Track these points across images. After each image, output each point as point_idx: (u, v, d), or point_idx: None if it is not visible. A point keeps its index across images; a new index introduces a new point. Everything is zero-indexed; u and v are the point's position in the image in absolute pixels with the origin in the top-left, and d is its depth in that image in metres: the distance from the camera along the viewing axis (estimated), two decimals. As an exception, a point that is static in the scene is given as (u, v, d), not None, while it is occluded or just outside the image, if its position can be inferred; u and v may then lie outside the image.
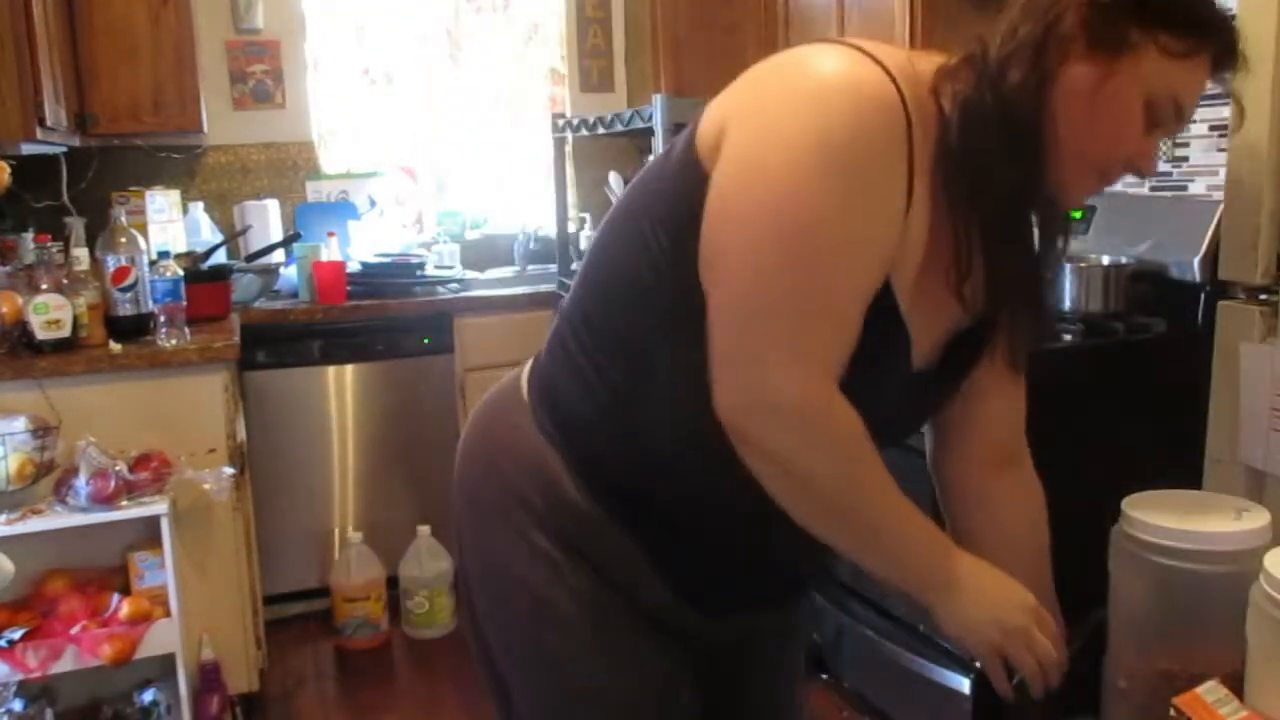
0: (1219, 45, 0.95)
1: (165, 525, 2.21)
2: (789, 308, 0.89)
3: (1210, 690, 0.88)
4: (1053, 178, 0.96)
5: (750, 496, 0.95)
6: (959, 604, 1.02)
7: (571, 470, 1.04)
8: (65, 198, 3.25)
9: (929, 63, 0.96)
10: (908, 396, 1.04)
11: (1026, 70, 0.91)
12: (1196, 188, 2.34)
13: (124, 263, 2.36)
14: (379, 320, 3.13)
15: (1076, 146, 0.94)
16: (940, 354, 1.05)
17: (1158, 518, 0.97)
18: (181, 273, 2.49)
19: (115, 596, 2.27)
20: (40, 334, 2.25)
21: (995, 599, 1.03)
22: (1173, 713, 0.89)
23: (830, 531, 0.98)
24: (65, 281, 2.33)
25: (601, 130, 2.61)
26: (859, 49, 0.92)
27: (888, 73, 0.89)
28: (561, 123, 3.03)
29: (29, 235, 2.77)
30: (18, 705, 2.24)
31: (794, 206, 0.87)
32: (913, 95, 0.91)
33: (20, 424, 2.14)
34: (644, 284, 0.98)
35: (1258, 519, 0.99)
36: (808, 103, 0.89)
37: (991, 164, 0.92)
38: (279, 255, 3.28)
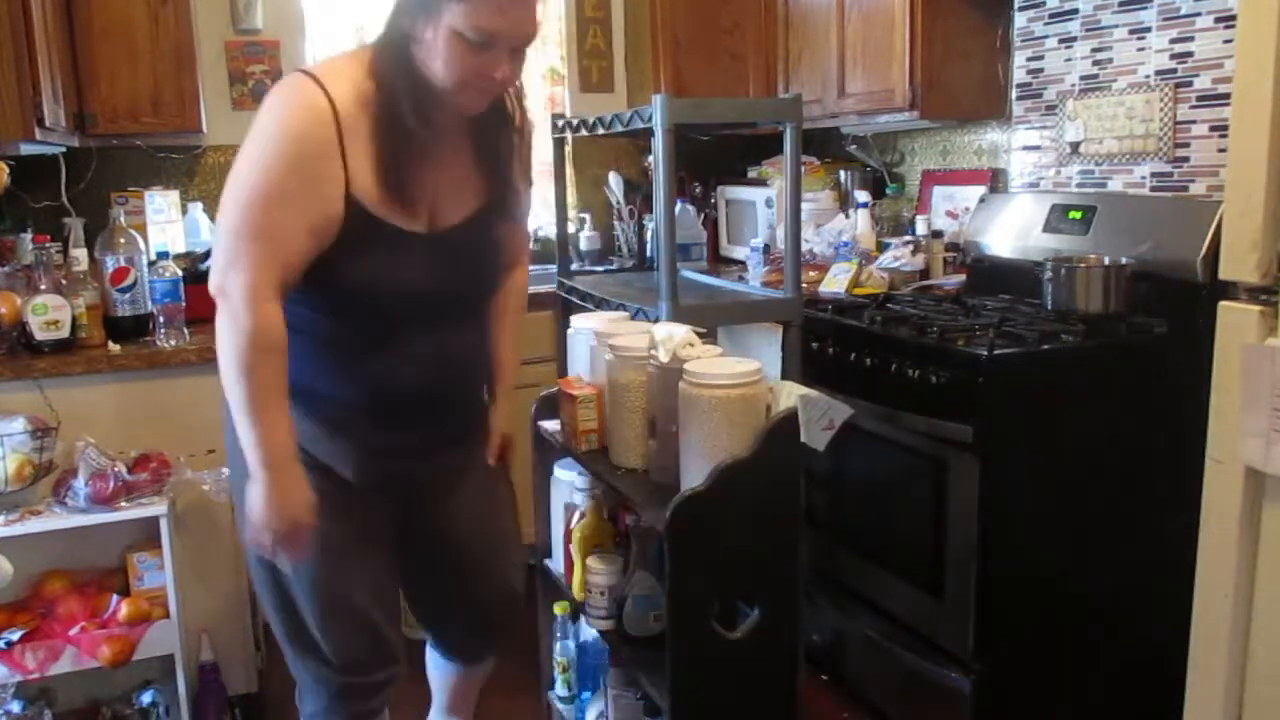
0: None
1: (164, 526, 2.21)
2: (237, 238, 1.43)
3: (576, 377, 1.79)
4: (446, 101, 1.48)
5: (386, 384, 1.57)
6: (259, 487, 1.48)
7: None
8: (64, 198, 3.24)
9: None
10: (452, 251, 1.57)
11: (396, 40, 1.46)
12: (1196, 188, 2.34)
13: (123, 263, 2.36)
14: (378, 321, 3.13)
15: (442, 76, 1.44)
16: (469, 220, 1.60)
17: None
18: (180, 273, 2.49)
19: (114, 597, 2.27)
20: (39, 334, 2.25)
21: (281, 501, 1.48)
22: (560, 390, 1.77)
23: (227, 389, 1.47)
24: (64, 282, 2.33)
25: (601, 130, 2.60)
26: (307, 73, 1.47)
27: (320, 84, 1.44)
28: (561, 123, 3.02)
29: (28, 235, 2.77)
30: (16, 707, 2.24)
31: (244, 179, 1.43)
32: (349, 90, 1.45)
33: (19, 425, 2.14)
34: None
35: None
36: (260, 121, 1.45)
37: (398, 102, 1.45)
38: (278, 256, 3.28)
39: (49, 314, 2.25)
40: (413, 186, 1.49)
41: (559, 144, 3.14)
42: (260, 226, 1.41)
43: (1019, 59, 2.84)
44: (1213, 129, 2.28)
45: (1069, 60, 2.67)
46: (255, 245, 1.41)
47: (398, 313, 1.53)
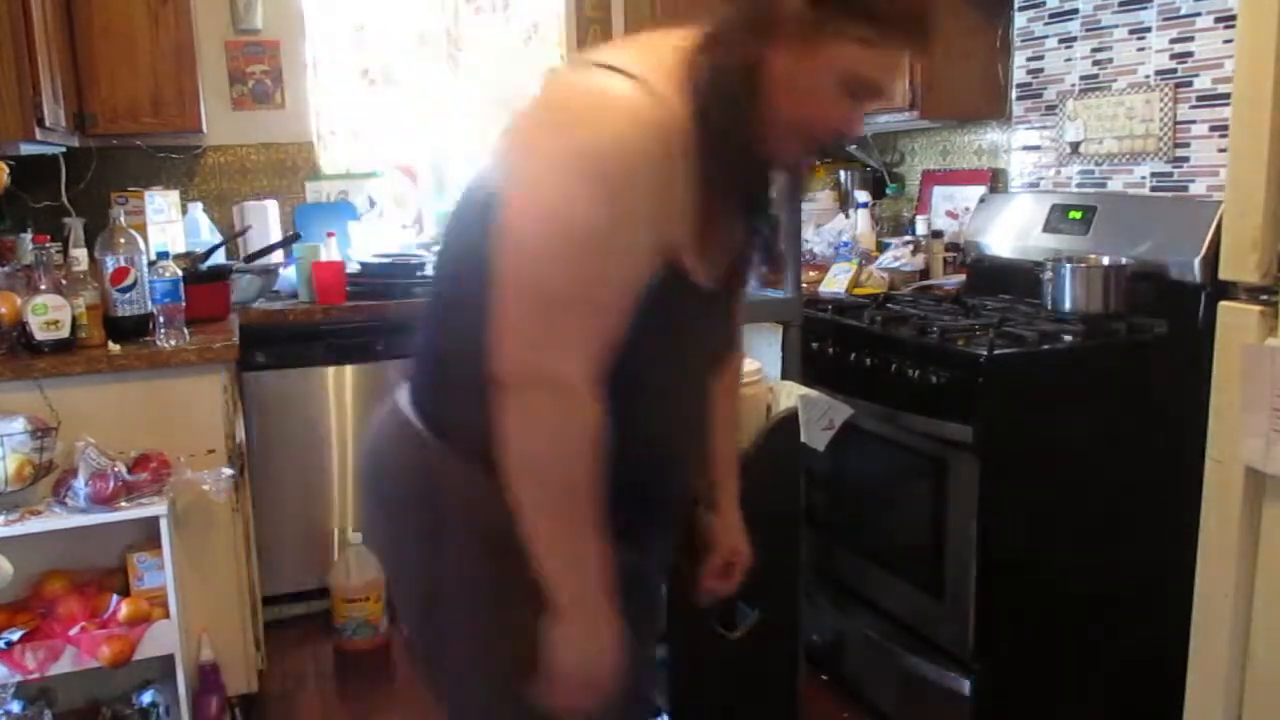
0: (912, 37, 1.09)
1: (164, 526, 2.20)
2: (555, 302, 1.04)
3: None
4: (769, 142, 1.13)
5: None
6: (564, 625, 1.12)
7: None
8: (64, 198, 3.24)
9: (676, 39, 1.12)
10: (712, 311, 1.26)
11: (743, 58, 1.08)
12: (1196, 188, 2.34)
13: (123, 263, 2.36)
14: (379, 321, 3.13)
15: (784, 116, 1.10)
16: (727, 273, 1.23)
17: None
18: (181, 273, 2.48)
19: (114, 597, 2.27)
20: (39, 334, 2.24)
21: (591, 648, 1.13)
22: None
23: (545, 507, 1.09)
24: (64, 282, 2.33)
25: (601, 130, 2.61)
26: (623, 72, 1.06)
27: (651, 90, 1.05)
28: (561, 123, 3.03)
29: (28, 235, 2.77)
30: (16, 707, 2.24)
31: (556, 218, 1.02)
32: (676, 102, 1.06)
33: (19, 425, 2.14)
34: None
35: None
36: (569, 134, 1.05)
37: (735, 132, 1.09)
38: (278, 256, 3.28)
39: (49, 314, 2.25)
40: (717, 230, 1.17)
41: (559, 144, 3.14)
42: (585, 285, 1.04)
43: (1019, 59, 2.84)
44: (1213, 129, 2.28)
45: (1069, 60, 2.67)
46: (580, 311, 1.05)
47: (659, 377, 1.21)
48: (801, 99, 1.10)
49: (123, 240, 2.37)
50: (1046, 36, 2.74)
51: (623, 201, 1.03)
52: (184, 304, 2.46)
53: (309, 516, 3.13)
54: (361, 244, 3.48)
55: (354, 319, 3.10)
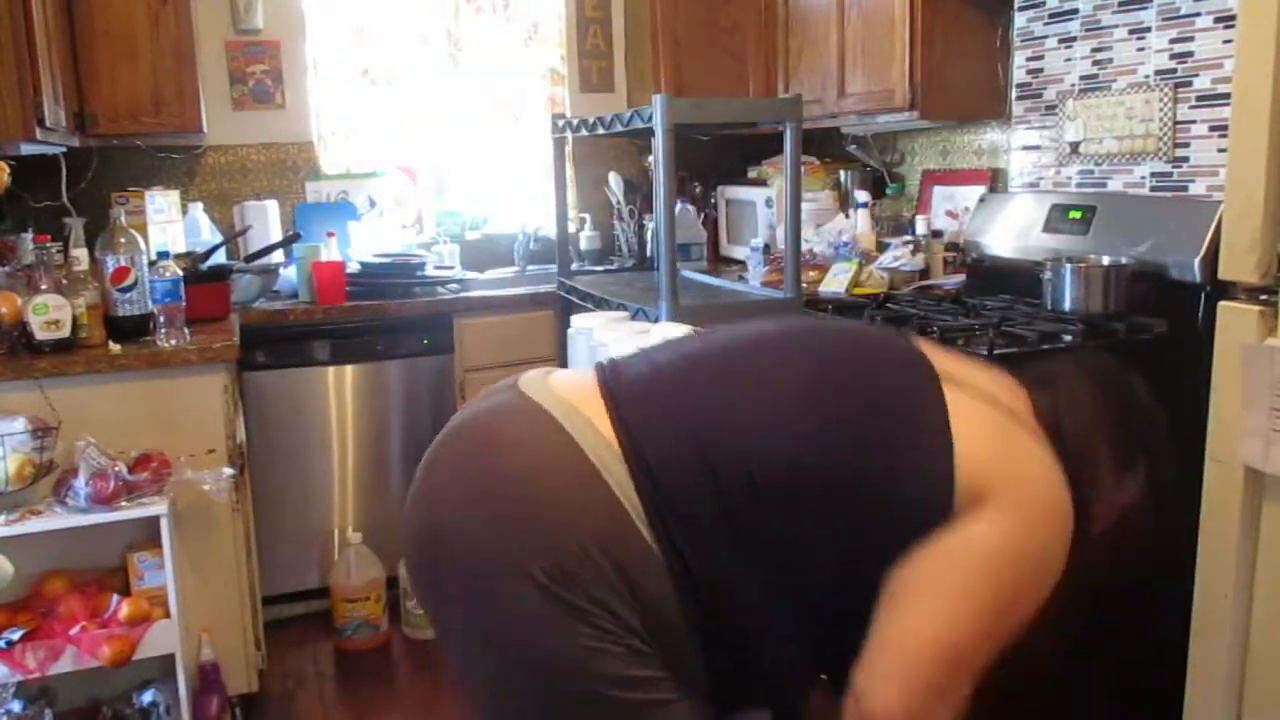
0: None
1: (165, 526, 2.21)
2: (964, 668, 1.15)
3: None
4: None
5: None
6: None
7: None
8: (65, 198, 3.24)
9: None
10: None
11: None
12: (1196, 188, 2.34)
13: (123, 263, 2.36)
14: (379, 321, 3.13)
15: None
16: None
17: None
18: (181, 273, 2.49)
19: (114, 597, 2.27)
20: (40, 334, 2.25)
21: None
22: None
23: None
24: (65, 282, 2.33)
25: (601, 130, 2.61)
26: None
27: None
28: (561, 123, 3.03)
29: (28, 235, 2.77)
30: (17, 706, 2.24)
31: (1001, 604, 1.15)
32: None
33: (20, 424, 2.14)
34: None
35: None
36: (1038, 530, 1.18)
37: None
38: (279, 256, 3.28)
39: (49, 314, 2.25)
40: None
41: (559, 144, 3.14)
42: (977, 665, 1.18)
43: (1019, 59, 2.84)
44: (1213, 129, 2.29)
45: (1069, 60, 2.67)
46: (967, 682, 1.18)
47: None
48: None
49: (123, 240, 2.37)
50: (1046, 36, 2.74)
51: (1030, 603, 1.22)
52: (184, 304, 2.46)
53: (309, 516, 3.13)
54: (361, 244, 3.49)
55: (354, 319, 3.10)
